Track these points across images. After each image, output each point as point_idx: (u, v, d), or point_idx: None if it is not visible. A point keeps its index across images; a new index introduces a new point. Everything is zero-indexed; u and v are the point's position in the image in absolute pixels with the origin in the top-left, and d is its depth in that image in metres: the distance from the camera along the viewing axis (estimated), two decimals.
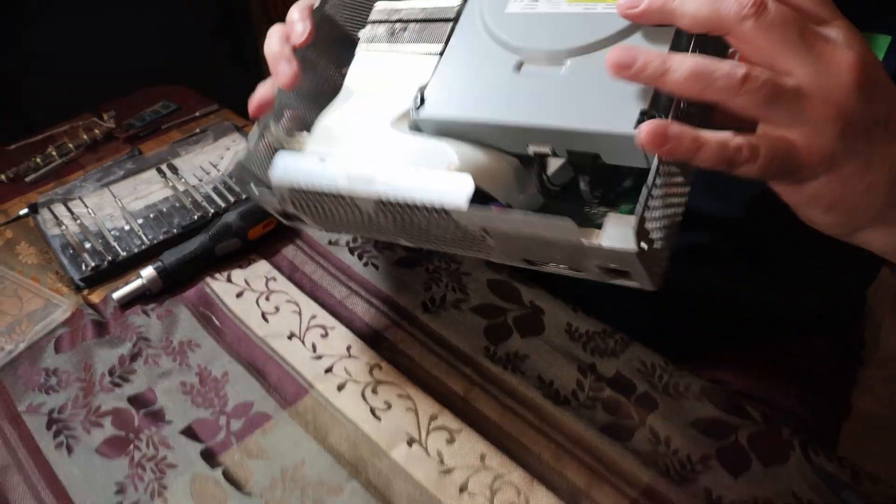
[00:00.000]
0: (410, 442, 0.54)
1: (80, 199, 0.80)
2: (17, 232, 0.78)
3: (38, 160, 0.88)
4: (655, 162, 0.38)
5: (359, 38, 0.56)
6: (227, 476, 0.53)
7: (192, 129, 0.94)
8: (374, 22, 0.57)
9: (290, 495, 0.51)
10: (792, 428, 0.55)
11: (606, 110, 0.40)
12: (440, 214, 0.43)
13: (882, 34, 0.56)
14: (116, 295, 0.66)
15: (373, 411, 0.57)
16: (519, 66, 0.45)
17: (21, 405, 0.59)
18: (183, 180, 0.82)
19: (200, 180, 0.82)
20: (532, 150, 0.44)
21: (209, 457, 0.54)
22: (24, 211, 0.80)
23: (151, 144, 0.92)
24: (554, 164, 0.46)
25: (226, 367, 0.61)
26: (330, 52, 0.59)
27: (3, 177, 0.86)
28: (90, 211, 0.78)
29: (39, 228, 0.76)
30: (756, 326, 0.74)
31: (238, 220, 0.71)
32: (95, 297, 0.69)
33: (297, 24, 0.51)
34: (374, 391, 0.58)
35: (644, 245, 0.37)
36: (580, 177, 0.44)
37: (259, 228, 0.72)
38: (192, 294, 0.68)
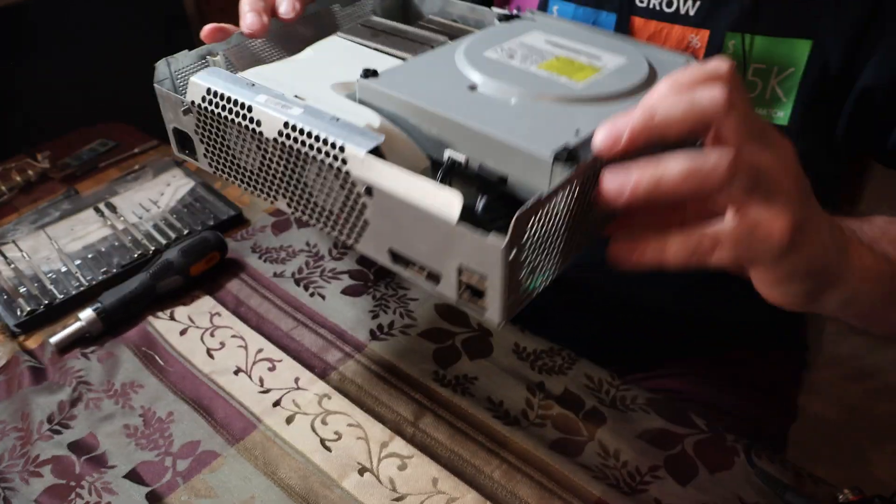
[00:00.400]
0: (362, 471, 0.54)
1: (14, 242, 0.78)
2: None
3: None
4: (557, 182, 0.38)
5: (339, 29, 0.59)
6: None
7: (132, 165, 0.92)
8: (362, 24, 0.61)
9: None
10: (736, 434, 0.56)
11: (532, 135, 0.42)
12: (336, 157, 0.42)
13: (802, 39, 0.59)
14: (54, 339, 0.65)
15: (323, 442, 0.56)
16: (472, 88, 0.47)
17: None
18: (122, 219, 0.80)
19: (140, 218, 0.80)
20: (448, 154, 0.45)
21: (155, 500, 0.53)
22: None
23: (89, 184, 0.90)
24: (456, 185, 0.46)
25: (171, 407, 0.60)
26: (302, 35, 0.61)
27: None
28: (24, 255, 0.76)
29: None
30: (702, 337, 0.76)
31: (179, 257, 0.70)
32: (32, 343, 0.67)
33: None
34: (324, 422, 0.58)
35: (514, 250, 0.37)
36: (479, 197, 0.44)
37: (201, 264, 0.71)
38: (133, 334, 0.67)
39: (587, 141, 0.41)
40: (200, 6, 2.07)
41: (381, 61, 0.54)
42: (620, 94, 0.46)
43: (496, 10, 0.61)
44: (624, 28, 0.65)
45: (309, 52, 0.56)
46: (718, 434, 0.56)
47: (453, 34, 0.61)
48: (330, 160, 0.43)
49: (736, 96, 0.37)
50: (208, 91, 0.47)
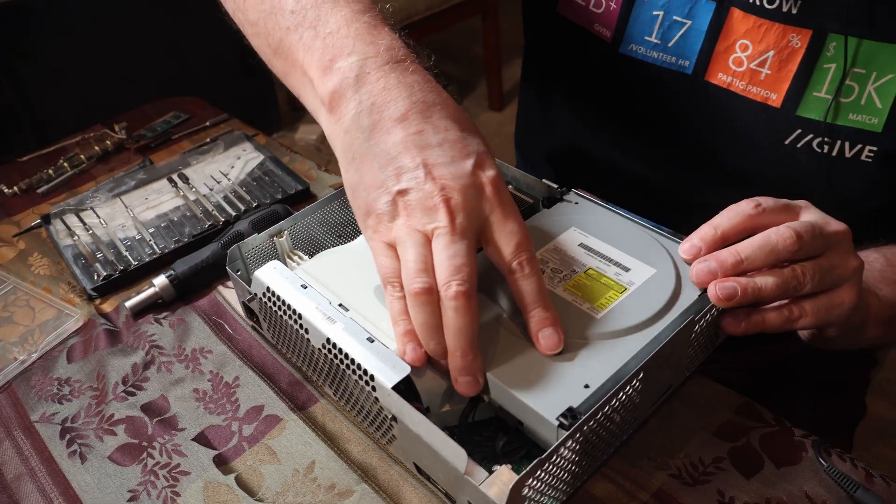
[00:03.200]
0: None
1: (92, 209, 0.81)
2: (29, 243, 0.79)
3: (51, 172, 0.89)
4: (556, 443, 0.43)
5: None
6: (240, 482, 0.53)
7: (203, 138, 0.94)
8: None
9: (301, 500, 0.51)
10: (804, 430, 0.55)
11: (542, 390, 0.45)
12: (367, 383, 0.49)
13: None
14: (129, 304, 0.67)
15: None
16: (497, 318, 0.51)
17: (34, 415, 0.59)
18: (194, 189, 0.82)
19: (211, 189, 0.82)
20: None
21: (222, 463, 0.54)
22: (37, 222, 0.81)
23: (162, 155, 0.92)
24: (482, 411, 0.51)
25: (237, 372, 0.61)
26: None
27: (15, 189, 0.87)
28: (102, 221, 0.78)
29: (52, 239, 0.77)
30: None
31: (249, 229, 0.71)
32: (107, 307, 0.70)
33: (553, 329, 0.48)
34: None
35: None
36: (499, 435, 0.49)
37: None
38: (203, 303, 0.69)
39: (595, 394, 0.45)
40: None
41: None
42: (639, 324, 0.49)
43: (546, 182, 0.62)
44: (721, 19, 0.63)
45: (360, 240, 0.61)
46: (786, 428, 0.55)
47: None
48: (362, 384, 0.49)
49: (801, 231, 0.48)
50: (268, 289, 0.56)
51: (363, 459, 0.54)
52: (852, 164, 0.61)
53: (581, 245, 0.56)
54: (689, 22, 0.64)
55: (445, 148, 0.46)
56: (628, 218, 0.58)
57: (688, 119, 0.68)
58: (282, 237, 0.63)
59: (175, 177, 0.85)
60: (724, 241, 0.51)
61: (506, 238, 0.46)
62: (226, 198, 0.81)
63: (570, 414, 0.44)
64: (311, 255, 0.61)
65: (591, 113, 0.77)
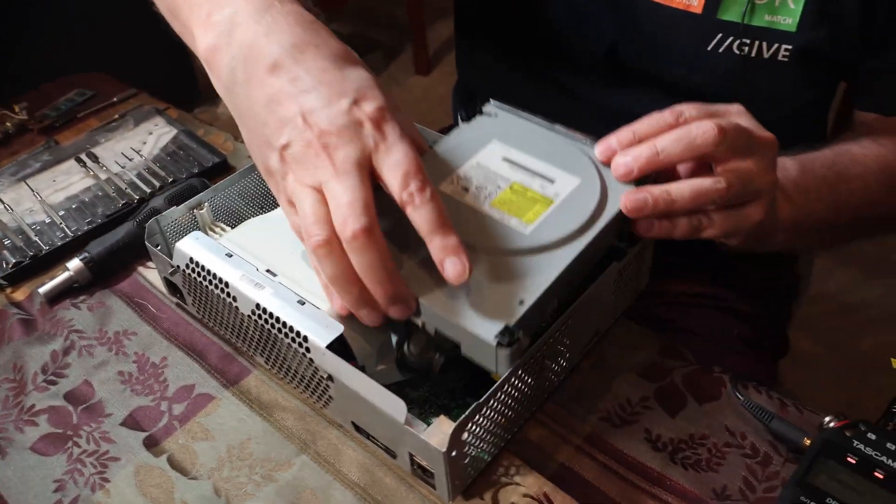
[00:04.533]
0: None
1: None
2: None
3: None
4: (497, 384, 0.44)
5: None
6: (172, 462, 0.52)
7: (111, 115, 0.90)
8: None
9: (237, 473, 0.51)
10: (724, 366, 0.57)
11: (477, 310, 0.45)
12: (301, 345, 0.48)
13: None
14: (43, 289, 0.64)
15: None
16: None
17: None
18: (104, 168, 0.79)
19: (123, 167, 0.79)
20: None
21: (152, 444, 0.53)
22: None
23: (68, 134, 0.88)
24: (417, 339, 0.50)
25: (164, 352, 0.60)
26: None
27: None
28: (7, 207, 0.75)
29: None
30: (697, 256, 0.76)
31: (165, 205, 0.69)
32: (20, 295, 0.66)
33: (456, 258, 0.46)
34: None
35: (454, 452, 0.44)
36: (436, 356, 0.49)
37: None
38: (124, 285, 0.66)
39: (531, 310, 0.44)
40: None
41: None
42: (569, 236, 0.48)
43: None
44: None
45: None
46: (706, 366, 0.57)
47: None
48: (295, 346, 0.49)
49: (726, 126, 0.47)
50: (191, 260, 0.54)
51: (300, 428, 0.54)
52: (770, 65, 0.63)
53: (504, 159, 0.54)
54: None
55: (321, 90, 0.45)
56: (549, 128, 0.56)
57: (615, 35, 0.69)
58: (202, 209, 0.61)
59: (83, 156, 0.81)
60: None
61: (391, 170, 0.44)
62: (139, 175, 0.78)
63: (509, 335, 0.43)
64: (234, 227, 0.60)
65: (521, 47, 0.77)
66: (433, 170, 0.52)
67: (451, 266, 0.43)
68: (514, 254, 0.47)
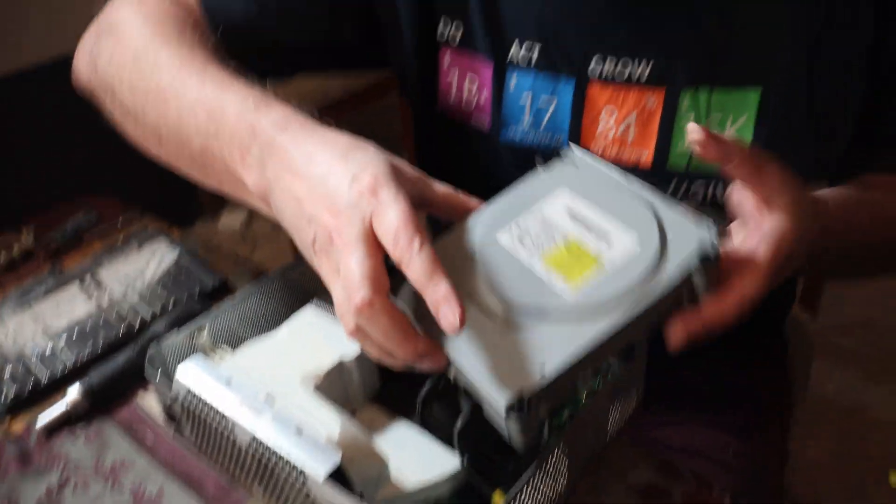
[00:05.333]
0: None
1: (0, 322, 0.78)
2: None
3: None
4: (533, 467, 0.45)
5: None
6: None
7: (115, 238, 0.93)
8: None
9: None
10: (726, 482, 0.57)
11: (498, 370, 0.45)
12: (297, 478, 0.48)
13: (752, 88, 0.62)
14: (40, 422, 0.64)
15: None
16: (469, 296, 0.49)
17: None
18: (107, 293, 0.81)
19: (125, 291, 0.81)
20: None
21: None
22: None
23: (74, 258, 0.90)
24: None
25: (161, 483, 0.59)
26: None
27: None
28: (9, 335, 0.76)
29: None
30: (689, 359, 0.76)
31: (166, 330, 0.70)
32: (19, 426, 0.66)
33: (448, 307, 0.45)
34: None
35: None
36: (462, 412, 0.49)
37: None
38: (123, 412, 0.67)
39: (553, 382, 0.43)
40: None
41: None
42: (610, 309, 0.46)
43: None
44: (581, 93, 0.67)
45: (284, 330, 0.62)
46: (706, 484, 0.57)
47: None
48: (293, 479, 0.49)
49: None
50: (190, 388, 0.55)
51: None
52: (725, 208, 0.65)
53: (567, 210, 0.53)
54: (554, 101, 0.68)
55: (330, 181, 0.49)
56: (626, 184, 0.54)
57: None
58: (202, 333, 0.62)
59: (87, 281, 0.83)
60: None
61: (384, 234, 0.46)
62: (141, 299, 0.80)
63: (522, 404, 0.43)
64: (235, 348, 0.61)
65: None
66: (497, 216, 0.54)
67: (444, 317, 0.44)
68: (549, 318, 0.46)
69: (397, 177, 0.49)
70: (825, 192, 0.61)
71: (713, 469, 0.69)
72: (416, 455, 0.53)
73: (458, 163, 0.78)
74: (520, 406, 0.42)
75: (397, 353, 0.47)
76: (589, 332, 0.45)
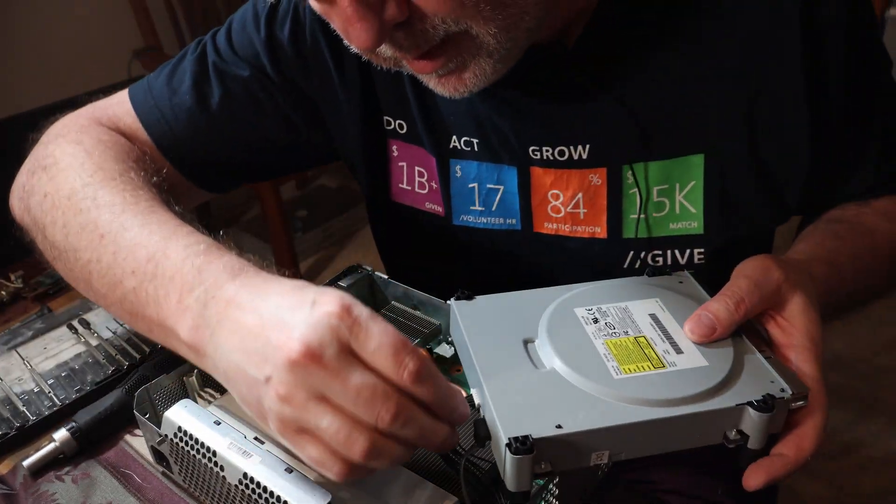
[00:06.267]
0: None
1: None
2: None
3: None
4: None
5: None
6: None
7: None
8: None
9: None
10: None
11: (517, 412, 0.46)
12: None
13: (695, 154, 0.63)
14: (27, 463, 0.63)
15: None
16: (528, 342, 0.52)
17: None
18: (95, 334, 0.80)
19: (114, 332, 0.81)
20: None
21: None
22: None
23: (62, 301, 0.90)
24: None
25: None
26: None
27: None
28: None
29: None
30: None
31: (154, 372, 0.69)
32: (3, 468, 0.65)
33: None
34: None
35: None
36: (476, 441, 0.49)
37: None
38: (110, 454, 0.66)
39: (564, 440, 0.44)
40: None
41: None
42: (648, 401, 0.47)
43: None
44: (526, 179, 0.68)
45: None
46: None
47: (413, 324, 0.68)
48: None
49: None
50: (179, 429, 0.55)
51: None
52: (688, 269, 0.66)
53: (651, 315, 0.54)
54: (501, 187, 0.70)
55: (285, 311, 0.44)
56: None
57: (530, 268, 0.73)
58: (191, 376, 0.62)
59: (75, 323, 0.83)
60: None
61: (377, 351, 0.42)
62: (129, 340, 0.79)
63: (522, 445, 0.43)
64: (223, 392, 0.61)
65: (440, 280, 0.75)
66: (582, 295, 0.56)
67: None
68: (588, 386, 0.47)
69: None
70: (801, 256, 0.62)
71: None
72: (406, 494, 0.53)
73: (417, 246, 0.80)
74: (522, 445, 0.43)
75: (440, 432, 0.43)
76: (620, 415, 0.46)
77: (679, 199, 0.65)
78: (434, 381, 0.43)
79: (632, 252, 0.67)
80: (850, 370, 1.72)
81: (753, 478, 0.49)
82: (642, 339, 0.52)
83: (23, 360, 0.77)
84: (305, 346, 0.41)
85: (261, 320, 0.43)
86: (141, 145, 0.70)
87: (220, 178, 0.77)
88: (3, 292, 0.91)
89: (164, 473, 0.62)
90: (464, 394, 0.47)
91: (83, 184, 0.60)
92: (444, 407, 0.44)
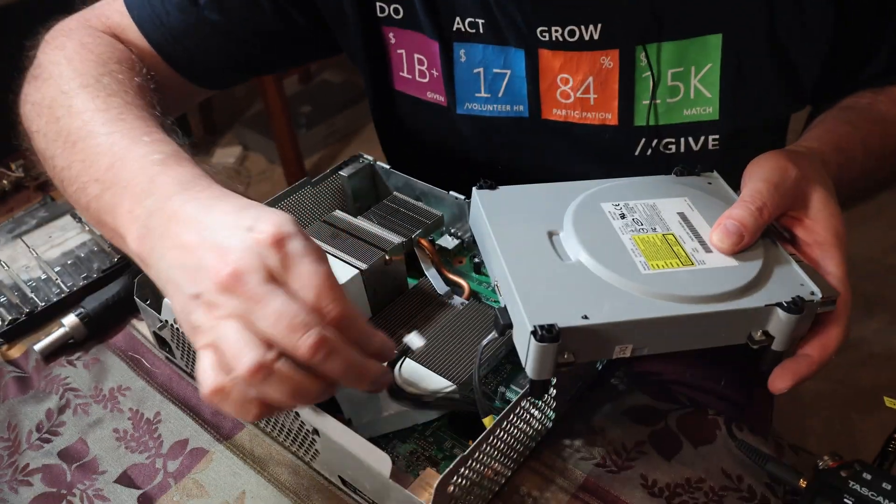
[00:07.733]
0: None
1: None
2: None
3: None
4: (483, 434, 0.44)
5: None
6: None
7: None
8: (324, 221, 0.66)
9: None
10: (718, 409, 0.57)
11: (543, 298, 0.45)
12: None
13: (712, 34, 0.60)
14: (38, 347, 0.64)
15: None
16: (552, 234, 0.51)
17: None
18: None
19: None
20: (405, 340, 0.51)
21: (147, 502, 0.53)
22: None
23: None
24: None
25: (158, 407, 0.60)
26: None
27: None
28: (3, 264, 0.75)
29: None
30: None
31: None
32: (15, 353, 0.67)
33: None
34: None
35: None
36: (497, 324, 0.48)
37: None
38: (119, 339, 0.67)
39: (589, 330, 0.43)
40: None
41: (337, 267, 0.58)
42: (672, 296, 0.46)
43: (453, 194, 0.61)
44: (534, 62, 0.65)
45: None
46: (700, 408, 0.57)
47: (415, 214, 0.67)
48: None
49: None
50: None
51: (294, 482, 0.53)
52: (702, 157, 0.64)
53: (680, 214, 0.53)
54: (508, 71, 0.66)
55: (219, 232, 0.43)
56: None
57: (538, 156, 0.71)
58: None
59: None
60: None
61: (302, 290, 0.41)
62: None
63: (548, 333, 0.42)
64: None
65: (443, 173, 0.74)
66: (609, 191, 0.55)
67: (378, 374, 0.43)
68: (614, 280, 0.47)
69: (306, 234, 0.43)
70: (813, 143, 0.59)
71: (705, 398, 0.70)
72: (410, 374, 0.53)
73: (419, 137, 0.77)
74: (548, 333, 0.42)
75: (372, 369, 0.42)
76: (648, 309, 0.45)
77: (694, 83, 0.62)
78: (356, 327, 0.42)
79: (643, 139, 0.65)
80: (858, 269, 1.72)
81: (780, 380, 0.49)
82: (671, 237, 0.51)
83: (28, 248, 0.77)
84: (232, 270, 0.40)
85: (198, 238, 0.43)
86: (133, 44, 0.68)
87: (216, 74, 0.74)
88: (5, 181, 0.90)
89: (167, 358, 0.63)
90: (388, 340, 0.44)
91: (61, 91, 0.59)
92: (369, 348, 0.42)
